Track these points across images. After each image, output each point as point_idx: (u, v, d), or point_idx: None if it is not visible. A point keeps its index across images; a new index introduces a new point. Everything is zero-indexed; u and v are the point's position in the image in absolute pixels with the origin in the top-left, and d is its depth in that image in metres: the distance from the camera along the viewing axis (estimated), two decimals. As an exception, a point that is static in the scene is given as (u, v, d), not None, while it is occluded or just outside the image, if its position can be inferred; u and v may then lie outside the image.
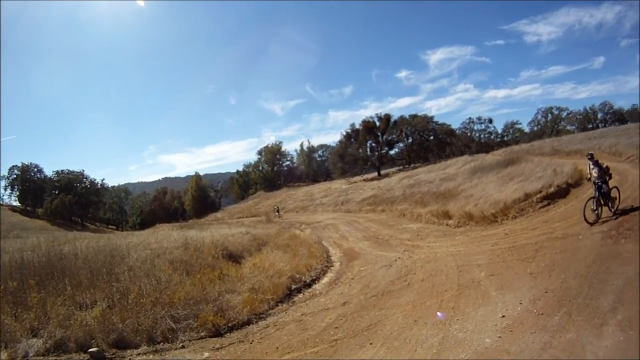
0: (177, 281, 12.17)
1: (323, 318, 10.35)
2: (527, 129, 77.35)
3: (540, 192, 19.64)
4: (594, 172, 14.21)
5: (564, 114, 75.82)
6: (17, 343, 8.68)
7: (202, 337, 9.78)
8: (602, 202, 14.00)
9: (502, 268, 11.79)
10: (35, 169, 75.85)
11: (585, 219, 13.77)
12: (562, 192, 19.40)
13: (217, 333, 9.98)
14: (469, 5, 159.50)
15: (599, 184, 13.99)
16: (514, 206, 19.07)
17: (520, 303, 9.04)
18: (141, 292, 10.90)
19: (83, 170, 78.11)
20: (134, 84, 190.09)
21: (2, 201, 74.64)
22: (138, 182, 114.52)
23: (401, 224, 23.80)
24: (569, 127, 73.61)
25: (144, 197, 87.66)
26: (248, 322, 10.61)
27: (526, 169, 26.24)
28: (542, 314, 8.34)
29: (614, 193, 14.35)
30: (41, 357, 8.47)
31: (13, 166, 74.48)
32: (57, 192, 71.12)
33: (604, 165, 14.40)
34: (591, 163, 14.39)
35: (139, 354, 8.99)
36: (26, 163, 74.83)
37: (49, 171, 76.99)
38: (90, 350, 8.66)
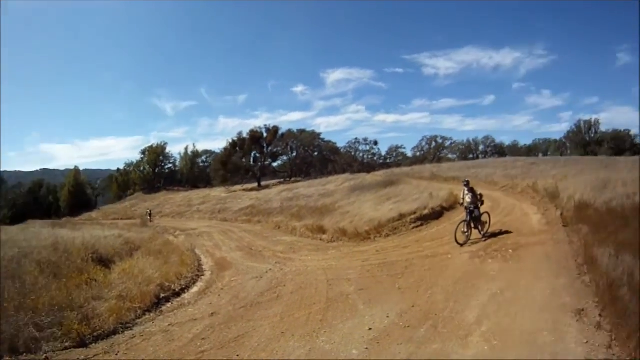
0: (42, 285, 11.13)
1: (191, 329, 9.88)
2: (410, 154, 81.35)
3: (415, 213, 20.47)
4: (468, 198, 15.15)
5: (447, 143, 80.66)
6: None
7: (66, 348, 8.95)
8: (473, 225, 14.97)
9: (371, 283, 12.03)
10: None
11: (456, 240, 14.59)
12: (436, 215, 20.44)
13: (82, 343, 9.21)
14: (375, 32, 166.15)
15: (471, 208, 14.90)
16: (388, 225, 19.68)
17: (388, 316, 9.22)
18: (5, 296, 9.94)
19: None
20: (18, 65, 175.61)
21: None
22: (15, 171, 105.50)
23: (276, 236, 23.71)
24: (450, 156, 78.25)
25: (20, 188, 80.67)
26: (114, 332, 9.89)
27: (404, 191, 27.37)
28: (408, 326, 8.58)
29: (484, 218, 15.44)
30: None
31: None
32: None
33: (478, 192, 15.36)
34: (466, 189, 15.34)
35: None
36: None
37: None
38: None
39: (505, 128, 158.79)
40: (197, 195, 60.83)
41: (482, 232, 15.15)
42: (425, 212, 20.50)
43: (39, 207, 73.50)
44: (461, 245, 14.51)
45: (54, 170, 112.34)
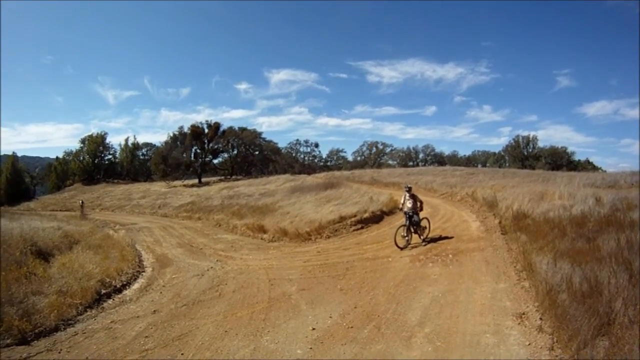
0: None
1: (133, 326, 9.60)
2: (350, 158, 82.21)
3: (355, 216, 20.74)
4: (408, 203, 15.41)
5: (388, 149, 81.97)
6: None
7: (8, 345, 8.59)
8: (413, 230, 15.25)
9: (313, 283, 12.06)
10: None
11: (396, 244, 14.83)
12: (376, 218, 20.78)
13: (24, 340, 8.81)
14: (322, 35, 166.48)
15: (411, 214, 15.17)
16: (329, 227, 19.85)
17: (330, 317, 9.24)
18: None
19: None
20: None
21: None
22: None
23: (216, 234, 23.47)
24: (390, 162, 79.44)
25: None
26: (56, 329, 9.49)
27: (344, 194, 27.61)
28: (351, 327, 8.60)
29: (424, 223, 15.80)
30: None
31: None
32: None
33: (418, 198, 15.57)
34: (407, 195, 15.57)
35: None
36: None
37: None
38: None
39: (445, 138, 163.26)
40: (137, 189, 59.46)
41: (422, 237, 15.48)
42: (366, 215, 20.80)
43: None
44: (401, 248, 14.76)
45: None
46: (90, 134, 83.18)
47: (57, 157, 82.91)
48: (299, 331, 8.57)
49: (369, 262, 13.83)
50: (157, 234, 24.46)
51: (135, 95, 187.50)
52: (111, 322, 10.00)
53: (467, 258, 13.19)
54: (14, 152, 77.22)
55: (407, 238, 15.13)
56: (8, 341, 8.68)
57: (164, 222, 31.80)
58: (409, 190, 15.82)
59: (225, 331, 8.87)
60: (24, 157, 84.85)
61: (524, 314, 8.62)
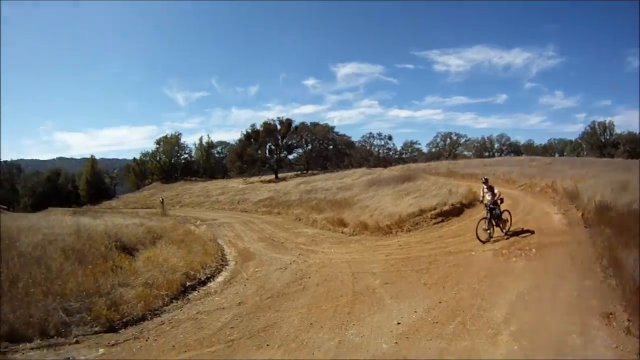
0: (68, 271, 11.12)
1: (219, 317, 9.87)
2: (425, 150, 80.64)
3: (435, 209, 20.28)
4: (488, 196, 14.90)
5: (462, 140, 79.81)
6: None
7: (96, 332, 9.05)
8: (494, 223, 14.74)
9: (396, 277, 11.93)
10: None
11: (478, 237, 14.41)
12: (456, 211, 20.24)
13: (112, 328, 9.30)
14: (384, 27, 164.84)
15: (491, 206, 14.66)
16: (409, 220, 19.53)
17: (415, 311, 9.14)
18: (32, 281, 9.98)
19: None
20: (31, 54, 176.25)
21: None
22: (32, 160, 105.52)
23: (297, 228, 23.67)
24: (465, 153, 77.36)
25: (38, 176, 79.81)
26: (143, 318, 9.96)
27: (422, 186, 27.08)
28: (437, 322, 8.48)
29: (505, 216, 15.17)
30: None
31: None
32: None
33: (497, 191, 15.06)
34: (485, 187, 15.10)
35: (32, 349, 8.18)
36: None
37: None
38: None
39: (519, 127, 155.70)
40: (215, 185, 60.55)
41: (503, 230, 14.92)
42: (446, 208, 20.32)
43: (58, 195, 73.57)
44: (483, 242, 14.35)
45: (70, 159, 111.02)
46: (164, 135, 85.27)
47: (134, 158, 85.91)
48: (384, 325, 8.52)
49: (452, 256, 13.54)
50: (238, 229, 24.90)
51: (205, 96, 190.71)
52: (197, 312, 10.36)
53: (551, 253, 12.62)
54: (92, 156, 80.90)
55: (489, 231, 14.69)
56: (96, 329, 9.15)
57: (243, 217, 32.31)
58: (486, 182, 15.37)
59: (310, 323, 8.96)
60: (102, 159, 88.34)
61: (611, 314, 8.19)
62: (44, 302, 9.29)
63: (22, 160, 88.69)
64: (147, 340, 8.74)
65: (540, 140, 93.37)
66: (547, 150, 79.35)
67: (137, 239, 16.51)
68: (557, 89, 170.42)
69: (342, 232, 20.57)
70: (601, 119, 73.78)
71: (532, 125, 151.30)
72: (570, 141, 78.94)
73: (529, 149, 77.55)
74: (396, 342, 7.70)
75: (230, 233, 23.35)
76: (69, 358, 7.86)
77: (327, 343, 7.92)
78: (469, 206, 20.95)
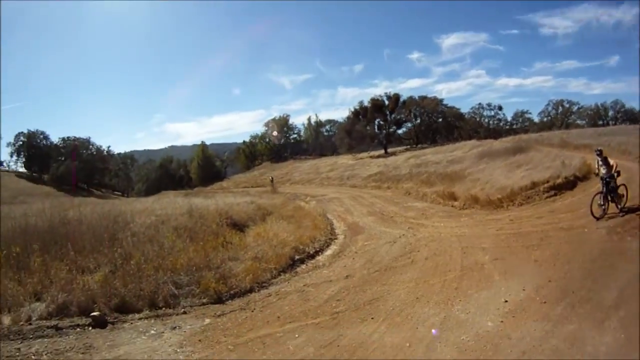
0: (180, 247, 11.99)
1: (325, 290, 10.24)
2: (536, 119, 75.66)
3: (548, 182, 19.38)
4: (602, 169, 13.98)
5: (575, 108, 73.94)
6: (20, 307, 8.65)
7: (203, 304, 9.71)
8: (610, 199, 13.81)
9: (506, 253, 11.69)
10: (42, 136, 73.08)
11: (592, 213, 13.65)
12: (569, 184, 19.19)
13: (219, 300, 9.89)
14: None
15: (607, 180, 13.78)
16: (521, 193, 18.87)
17: (524, 289, 8.95)
18: (144, 258, 10.79)
19: (89, 137, 74.95)
20: (140, 53, 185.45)
21: (8, 167, 72.95)
22: (144, 150, 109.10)
23: (406, 202, 23.61)
24: (578, 122, 71.77)
25: (150, 164, 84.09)
26: (250, 290, 10.50)
27: (534, 158, 25.87)
28: (545, 302, 8.26)
29: (621, 190, 14.11)
30: (44, 321, 8.36)
31: (19, 133, 71.95)
32: (63, 159, 69.28)
33: (612, 163, 14.09)
34: (600, 159, 14.14)
35: (140, 319, 8.90)
36: (32, 130, 72.23)
37: (55, 138, 74.07)
38: (92, 314, 8.56)
39: (635, 91, 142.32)
40: (324, 163, 60.59)
41: (619, 206, 13.87)
42: (559, 181, 19.29)
43: (170, 180, 76.17)
44: (597, 218, 13.51)
45: (182, 146, 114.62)
46: (273, 117, 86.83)
47: (244, 141, 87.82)
48: (491, 303, 8.46)
49: (564, 232, 12.96)
50: (347, 204, 25.22)
51: (310, 78, 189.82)
52: (304, 285, 10.80)
53: None
54: (202, 142, 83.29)
55: (603, 207, 13.74)
56: (204, 300, 9.80)
57: (353, 192, 32.52)
58: (600, 153, 14.28)
59: (417, 298, 9.11)
60: (212, 144, 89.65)
61: None
62: (154, 277, 10.03)
63: (135, 151, 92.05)
64: (252, 311, 9.24)
65: None
66: None
67: (248, 216, 17.36)
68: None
69: (452, 206, 20.32)
70: None
71: None
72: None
73: (646, 116, 70.80)
74: (502, 321, 7.62)
75: (339, 208, 23.76)
76: (175, 327, 8.45)
77: (432, 318, 8.02)
78: (583, 179, 19.66)
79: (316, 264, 12.79)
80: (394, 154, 56.75)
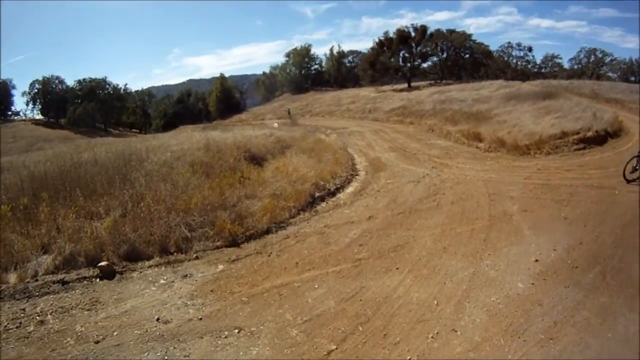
0: (195, 185, 11.33)
1: (347, 232, 9.72)
2: (566, 66, 72.68)
3: (578, 133, 18.45)
4: None
5: (608, 59, 70.83)
6: (26, 262, 8.10)
7: (217, 247, 9.13)
8: None
9: (535, 205, 11.07)
10: (57, 81, 71.48)
11: (624, 175, 12.89)
12: (599, 139, 18.32)
13: (234, 243, 9.31)
14: None
15: None
16: (549, 142, 18.02)
17: (555, 249, 8.43)
18: (156, 198, 10.14)
19: (105, 77, 73.25)
20: None
21: (25, 117, 71.90)
22: (162, 85, 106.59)
23: (429, 139, 22.86)
24: (610, 74, 68.79)
25: (168, 99, 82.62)
26: (267, 231, 9.92)
27: (564, 106, 24.68)
28: (576, 267, 7.76)
29: None
30: (50, 276, 7.88)
31: (34, 81, 70.38)
32: (79, 101, 67.37)
33: None
34: None
35: (150, 266, 8.36)
36: (47, 76, 70.68)
37: (71, 81, 72.72)
38: (99, 264, 8.07)
39: None
40: (345, 94, 59.06)
41: None
42: (589, 134, 18.36)
43: (189, 114, 75.35)
44: (628, 181, 12.75)
45: (200, 80, 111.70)
46: (294, 47, 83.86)
47: (263, 72, 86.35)
48: (521, 260, 7.98)
49: (594, 190, 12.28)
50: (369, 138, 24.55)
51: (334, 7, 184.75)
52: (324, 226, 10.23)
53: None
54: (221, 74, 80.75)
55: (638, 171, 12.98)
56: (218, 243, 9.19)
57: (374, 126, 31.74)
58: None
59: (444, 247, 8.63)
60: (231, 76, 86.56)
61: None
62: (166, 219, 9.37)
63: (152, 87, 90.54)
64: (269, 256, 8.73)
65: None
66: None
67: (267, 149, 16.71)
68: None
69: (477, 147, 19.53)
70: None
71: None
72: None
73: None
74: (532, 283, 7.16)
75: (360, 142, 23.10)
76: (186, 275, 7.98)
77: (460, 273, 7.57)
78: (614, 136, 18.88)
79: (337, 202, 12.22)
80: (417, 88, 55.13)
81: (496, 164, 16.05)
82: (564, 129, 18.89)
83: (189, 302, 7.01)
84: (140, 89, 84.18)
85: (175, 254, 8.79)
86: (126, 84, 77.57)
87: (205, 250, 8.99)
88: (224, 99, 76.07)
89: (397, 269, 7.84)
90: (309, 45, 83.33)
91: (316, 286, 7.43)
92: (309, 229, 10.19)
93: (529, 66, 71.54)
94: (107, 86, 72.57)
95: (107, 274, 7.99)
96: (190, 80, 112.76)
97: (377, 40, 66.50)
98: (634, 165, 12.98)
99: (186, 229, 9.30)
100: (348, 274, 7.80)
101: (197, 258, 8.69)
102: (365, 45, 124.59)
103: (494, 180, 13.53)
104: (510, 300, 6.71)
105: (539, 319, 6.25)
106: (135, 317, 6.60)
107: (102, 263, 8.12)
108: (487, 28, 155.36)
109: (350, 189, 13.50)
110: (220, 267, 8.35)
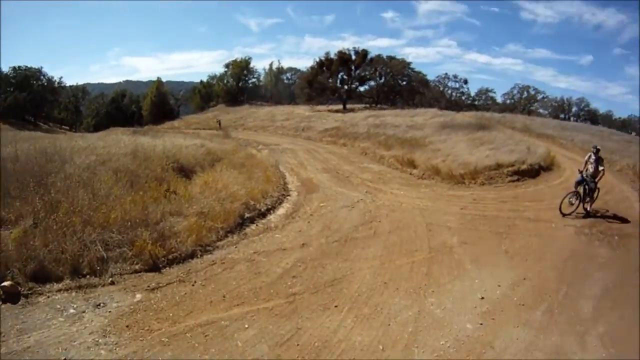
0: (117, 195, 10.05)
1: (279, 261, 8.88)
2: (499, 100, 75.98)
3: (513, 165, 18.71)
4: (591, 167, 13.24)
5: (540, 97, 74.67)
6: None
7: (136, 271, 7.95)
8: (581, 199, 13.27)
9: (474, 237, 10.81)
10: None
11: (560, 209, 13.07)
12: (533, 172, 18.65)
13: (155, 267, 8.17)
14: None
15: (590, 180, 13.13)
16: (484, 172, 18.09)
17: (499, 285, 8.13)
18: (72, 208, 8.82)
19: (41, 67, 68.82)
20: None
21: None
22: (98, 83, 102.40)
23: (362, 162, 22.49)
24: (541, 110, 72.55)
25: (102, 98, 78.83)
26: (192, 255, 8.84)
27: (497, 139, 25.22)
28: (523, 304, 7.50)
29: (596, 194, 13.59)
30: None
31: None
32: (11, 90, 63.18)
33: (602, 168, 13.30)
34: (594, 157, 13.31)
35: (59, 290, 7.10)
36: None
37: (5, 67, 67.21)
38: (2, 284, 6.79)
39: (599, 95, 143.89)
40: (280, 111, 58.29)
41: (585, 207, 13.39)
42: (524, 167, 18.66)
43: (122, 116, 72.50)
44: (564, 215, 12.97)
45: (137, 81, 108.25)
46: (234, 59, 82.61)
47: (201, 81, 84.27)
48: (467, 298, 7.58)
49: (532, 223, 12.27)
50: (302, 157, 23.93)
51: (279, 23, 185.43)
52: (254, 252, 9.31)
53: (634, 245, 10.99)
54: (158, 77, 79.74)
55: (574, 205, 13.22)
56: (137, 267, 8.05)
57: (307, 145, 31.22)
58: (597, 152, 13.39)
59: (385, 282, 8.02)
60: (169, 82, 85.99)
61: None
62: (81, 234, 8.17)
63: (88, 84, 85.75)
64: (193, 285, 7.68)
65: (620, 113, 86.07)
66: (625, 125, 73.25)
67: (196, 161, 15.70)
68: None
69: (411, 174, 19.24)
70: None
71: (613, 96, 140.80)
72: (653, 124, 72.60)
73: (607, 120, 71.57)
74: (481, 323, 6.74)
75: (292, 160, 22.38)
76: (99, 304, 6.88)
77: (404, 312, 6.98)
78: (546, 170, 19.32)
79: (268, 225, 11.30)
80: (352, 110, 55.44)
81: (431, 192, 15.81)
82: (499, 160, 19.10)
83: (100, 340, 5.90)
84: (75, 84, 79.55)
85: (88, 276, 7.57)
86: (61, 77, 72.68)
87: (122, 274, 7.81)
88: (159, 104, 73.98)
89: (335, 306, 7.10)
90: (249, 58, 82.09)
91: (246, 326, 6.50)
92: (237, 254, 9.20)
93: (463, 97, 74.16)
94: (42, 77, 68.66)
95: (11, 297, 6.71)
96: (128, 81, 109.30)
97: (317, 60, 66.55)
98: (570, 200, 13.17)
99: (102, 248, 8.07)
100: (282, 311, 6.95)
101: (112, 283, 7.52)
102: (305, 63, 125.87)
103: (430, 209, 13.24)
104: (461, 344, 6.23)
105: (492, 363, 5.79)
106: (39, 355, 5.50)
107: (6, 283, 6.82)
108: (426, 58, 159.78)
109: (281, 211, 12.66)
110: (138, 296, 7.22)
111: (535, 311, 7.27)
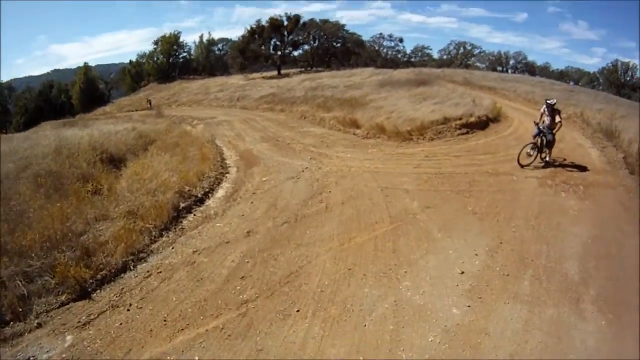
0: (35, 208, 8.44)
1: (223, 259, 7.50)
2: (436, 56, 76.42)
3: (461, 119, 17.99)
4: (547, 119, 12.74)
5: (476, 51, 75.53)
6: None
7: (63, 303, 6.40)
8: (539, 150, 12.80)
9: (436, 199, 9.83)
10: None
11: (518, 160, 12.50)
12: (481, 124, 18.07)
13: (84, 293, 6.64)
14: None
15: (546, 131, 12.62)
16: (432, 127, 17.31)
17: (476, 254, 7.23)
18: None
19: None
20: None
21: None
22: (25, 77, 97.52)
23: (302, 127, 21.38)
24: (478, 64, 73.39)
25: (29, 92, 71.88)
26: (124, 268, 7.34)
27: (440, 93, 24.76)
28: (507, 274, 6.67)
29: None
30: None
31: None
32: None
33: (559, 119, 12.80)
34: (548, 110, 12.82)
35: None
36: None
37: None
38: None
39: (534, 49, 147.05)
40: (214, 82, 56.47)
41: (546, 158, 12.97)
42: (472, 119, 18.02)
43: (51, 109, 66.81)
44: (522, 166, 12.40)
45: (65, 70, 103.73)
46: (163, 35, 78.50)
47: (130, 61, 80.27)
48: (446, 275, 6.61)
49: (492, 178, 11.46)
50: (238, 127, 22.68)
51: None
52: (194, 251, 7.91)
53: (600, 195, 10.54)
54: (85, 63, 74.55)
55: (532, 156, 12.72)
56: (63, 297, 6.53)
57: (244, 114, 29.84)
58: (553, 105, 12.85)
59: (349, 268, 6.87)
60: (98, 65, 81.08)
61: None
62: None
63: (15, 79, 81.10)
64: (129, 310, 6.24)
65: (556, 66, 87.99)
66: (563, 76, 75.07)
67: (127, 147, 14.24)
68: (581, 18, 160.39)
69: (355, 134, 18.26)
70: (626, 60, 69.78)
71: (548, 50, 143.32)
72: (588, 73, 74.66)
73: (544, 72, 73.21)
74: (468, 306, 5.81)
75: (229, 132, 20.93)
76: (29, 358, 5.45)
77: (379, 305, 5.90)
78: (494, 121, 18.82)
79: (206, 213, 9.84)
80: (287, 75, 54.11)
81: (379, 152, 14.78)
82: (446, 114, 18.41)
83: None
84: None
85: (12, 323, 6.04)
86: (-18, 78, 67.99)
87: (49, 310, 6.29)
88: (88, 90, 69.36)
89: (297, 311, 5.87)
90: (179, 33, 78.93)
91: (196, 359, 5.24)
92: (175, 257, 7.77)
93: (399, 55, 73.86)
94: (-39, 78, 63.59)
95: None
96: (55, 71, 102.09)
97: (248, 28, 64.85)
98: (528, 151, 12.69)
99: (22, 282, 6.54)
100: (235, 329, 5.65)
101: (39, 326, 5.99)
102: (237, 33, 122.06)
103: (382, 171, 12.17)
104: (452, 336, 5.30)
105: (492, 354, 5.05)
106: None
107: None
108: (359, 21, 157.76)
109: (220, 193, 11.22)
110: (69, 338, 5.73)
111: (522, 281, 6.49)
